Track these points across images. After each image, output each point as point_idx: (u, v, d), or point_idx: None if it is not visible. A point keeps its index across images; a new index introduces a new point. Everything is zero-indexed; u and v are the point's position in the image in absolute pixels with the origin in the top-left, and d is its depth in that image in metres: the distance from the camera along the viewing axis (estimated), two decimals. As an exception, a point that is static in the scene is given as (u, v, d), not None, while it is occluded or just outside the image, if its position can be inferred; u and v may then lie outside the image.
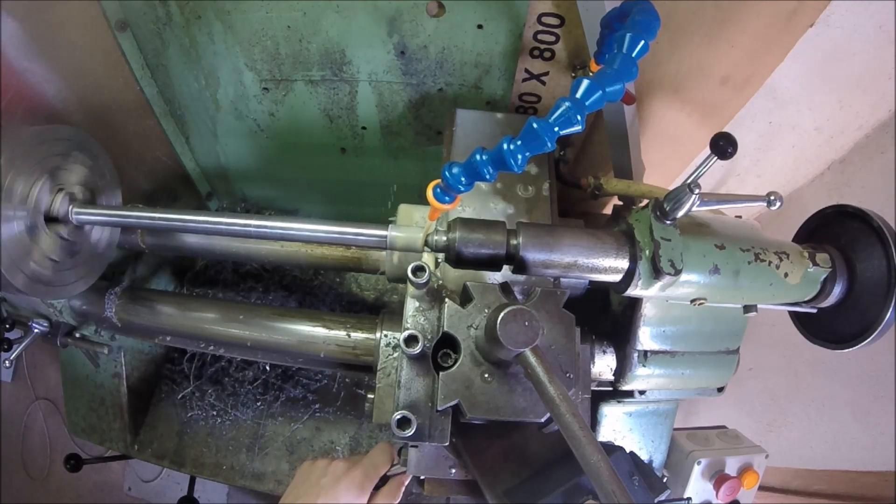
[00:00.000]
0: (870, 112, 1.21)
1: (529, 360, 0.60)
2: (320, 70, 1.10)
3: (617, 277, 0.71)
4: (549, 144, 0.55)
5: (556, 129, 0.56)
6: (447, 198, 0.64)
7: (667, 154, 1.39)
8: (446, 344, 0.72)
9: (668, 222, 0.71)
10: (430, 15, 0.97)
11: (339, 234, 0.71)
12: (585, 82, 0.57)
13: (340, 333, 0.95)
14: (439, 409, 0.67)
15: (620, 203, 1.10)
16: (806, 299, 0.84)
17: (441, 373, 0.68)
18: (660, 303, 0.88)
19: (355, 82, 1.11)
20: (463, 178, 0.61)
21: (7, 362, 1.11)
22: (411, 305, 0.73)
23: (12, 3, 0.93)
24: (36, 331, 1.13)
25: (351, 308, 1.44)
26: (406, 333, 0.68)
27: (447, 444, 0.68)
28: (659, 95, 1.20)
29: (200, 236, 1.08)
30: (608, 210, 1.37)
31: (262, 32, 1.05)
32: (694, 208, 0.68)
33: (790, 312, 0.93)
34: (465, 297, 0.74)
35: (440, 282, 0.74)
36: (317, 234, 0.72)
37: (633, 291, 0.71)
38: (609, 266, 0.69)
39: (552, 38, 0.97)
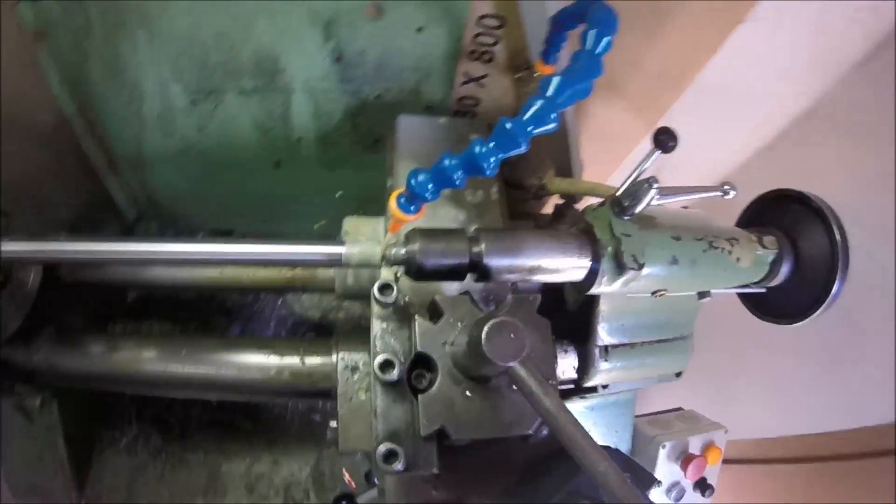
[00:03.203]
0: (794, 101, 1.28)
1: (520, 374, 0.57)
2: (252, 79, 1.04)
3: (580, 276, 0.69)
4: (523, 145, 0.54)
5: (531, 128, 0.54)
6: (412, 207, 0.61)
7: (603, 150, 1.42)
8: (419, 364, 0.68)
9: (627, 218, 0.71)
10: (368, 17, 0.93)
11: (289, 254, 0.66)
12: (556, 79, 0.56)
13: (294, 360, 0.88)
14: (423, 435, 0.63)
15: (562, 202, 1.11)
16: (755, 280, 0.89)
17: (420, 395, 0.64)
18: (616, 297, 0.89)
19: (290, 91, 1.06)
20: (430, 186, 0.58)
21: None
22: (378, 327, 0.69)
23: None
24: None
25: (296, 330, 1.37)
26: (380, 359, 0.64)
27: (435, 471, 0.64)
28: (595, 92, 1.22)
29: (129, 268, 0.99)
30: (548, 210, 1.38)
31: (189, 40, 0.98)
32: (653, 203, 0.68)
33: (740, 295, 0.98)
34: (434, 312, 0.70)
35: (406, 298, 0.71)
36: (265, 256, 0.67)
37: (596, 289, 0.70)
38: (572, 266, 0.68)
39: (491, 41, 0.95)
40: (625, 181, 0.82)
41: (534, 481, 0.75)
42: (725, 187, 0.75)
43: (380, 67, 1.02)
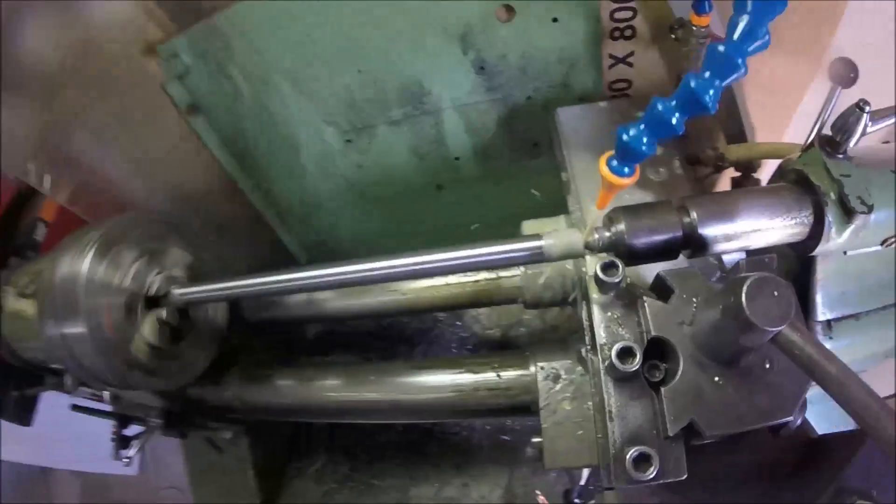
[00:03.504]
0: None
1: (792, 339, 0.48)
2: (400, 107, 1.06)
3: (803, 234, 0.61)
4: (742, 67, 0.47)
5: (746, 46, 0.47)
6: (626, 169, 0.54)
7: (769, 108, 1.27)
8: (652, 353, 0.61)
9: (841, 156, 0.61)
10: (501, 21, 0.92)
11: (485, 255, 0.62)
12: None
13: (489, 376, 0.85)
14: (671, 434, 0.55)
15: (738, 174, 1.00)
16: None
17: (662, 388, 0.57)
18: (834, 261, 0.77)
19: (439, 112, 1.06)
20: (645, 138, 0.51)
21: (125, 459, 1.08)
22: (600, 315, 0.62)
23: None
24: (152, 424, 1.10)
25: (477, 351, 1.35)
26: (619, 346, 0.57)
27: (685, 476, 0.57)
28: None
29: (307, 301, 1.03)
30: (725, 186, 1.26)
31: (333, 84, 1.02)
32: (868, 130, 0.59)
33: None
34: (661, 292, 0.63)
35: (629, 280, 0.64)
36: (457, 262, 0.63)
37: (823, 245, 0.61)
38: (793, 223, 0.59)
39: (629, 14, 0.90)
40: (811, 130, 0.72)
41: (785, 485, 0.64)
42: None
43: (524, 68, 0.99)
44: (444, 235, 1.35)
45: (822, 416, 0.92)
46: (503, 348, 1.32)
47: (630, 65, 0.98)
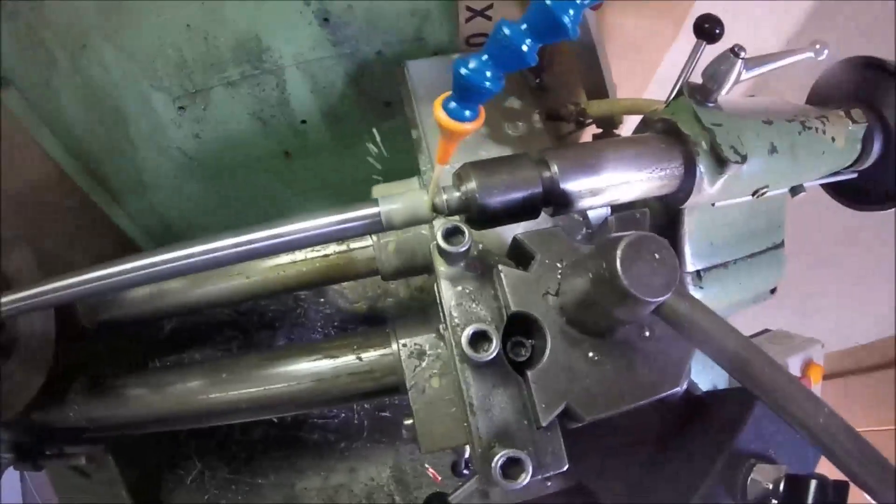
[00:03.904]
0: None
1: (680, 310, 0.42)
2: (237, 66, 0.93)
3: (673, 186, 0.57)
4: None
5: None
6: (467, 112, 0.44)
7: (631, 65, 1.29)
8: (515, 330, 0.53)
9: (711, 105, 0.59)
10: (345, -34, 0.82)
11: (314, 228, 0.52)
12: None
13: (349, 359, 0.77)
14: (543, 424, 0.48)
15: (599, 131, 1.00)
16: (848, 164, 0.78)
17: (528, 371, 0.50)
18: (701, 213, 0.78)
19: (281, 70, 0.95)
20: (488, 72, 0.41)
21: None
22: (450, 291, 0.54)
23: None
24: (2, 460, 0.94)
25: (344, 328, 1.27)
26: (470, 331, 0.48)
27: (566, 467, 0.50)
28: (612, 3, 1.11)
29: (151, 294, 0.91)
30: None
31: (159, 42, 0.89)
32: (741, 77, 0.56)
33: (826, 187, 0.88)
34: (519, 258, 0.56)
35: (481, 246, 0.57)
36: (282, 240, 0.52)
37: (695, 197, 0.58)
38: (663, 174, 0.55)
39: None
40: (675, 86, 0.70)
41: (670, 450, 0.62)
42: (817, 46, 0.61)
43: (372, 20, 0.91)
44: (300, 207, 1.27)
45: (700, 372, 0.96)
46: (372, 322, 1.26)
47: (489, 18, 0.93)
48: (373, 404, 1.22)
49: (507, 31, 0.39)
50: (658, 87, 1.26)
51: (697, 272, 0.80)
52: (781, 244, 0.90)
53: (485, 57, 0.41)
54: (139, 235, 1.24)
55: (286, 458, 1.23)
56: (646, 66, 1.25)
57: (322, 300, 1.25)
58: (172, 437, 1.26)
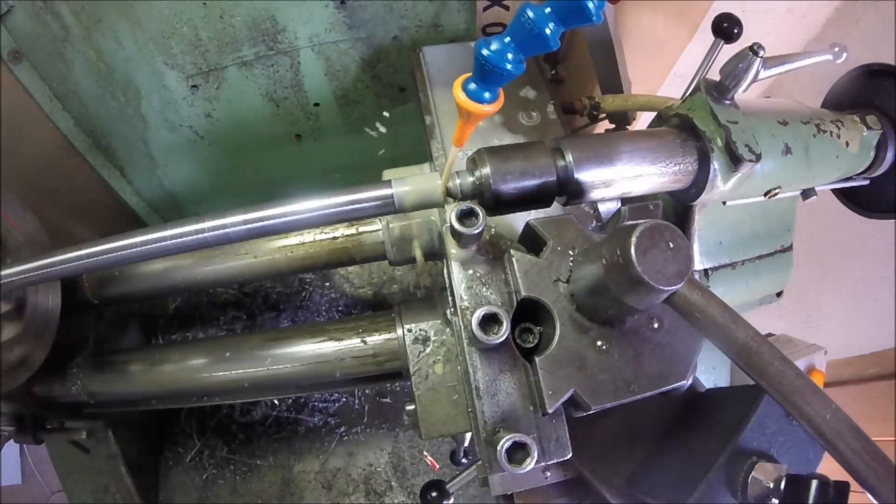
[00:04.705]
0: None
1: (693, 300, 0.42)
2: (252, 47, 0.93)
3: (686, 181, 0.56)
4: None
5: None
6: (487, 94, 0.43)
7: (647, 63, 1.29)
8: (524, 316, 0.53)
9: (728, 102, 0.57)
10: (365, -53, 0.82)
11: (327, 209, 0.51)
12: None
13: (354, 342, 0.78)
14: (549, 410, 0.48)
15: (612, 127, 1.00)
16: (861, 170, 0.77)
17: (536, 358, 0.49)
18: (711, 212, 0.77)
19: (295, 51, 0.95)
20: (510, 54, 0.40)
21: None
22: (461, 274, 0.53)
23: None
24: (2, 432, 0.95)
25: (349, 312, 1.27)
26: (481, 313, 0.48)
27: (570, 455, 0.50)
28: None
29: (157, 271, 0.90)
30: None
31: (174, 19, 0.88)
32: (760, 76, 0.55)
33: (837, 192, 0.87)
34: (532, 244, 0.55)
35: (493, 230, 0.56)
36: (295, 219, 0.52)
37: (707, 194, 0.57)
38: (677, 168, 0.54)
39: None
40: (690, 83, 0.70)
41: (671, 446, 0.62)
42: (836, 49, 0.61)
43: (389, 4, 0.90)
44: (304, 190, 1.27)
45: (702, 373, 0.96)
46: (377, 308, 1.26)
47: (506, 7, 0.93)
48: (374, 390, 1.23)
49: (530, 13, 0.39)
50: (673, 86, 1.26)
51: (705, 271, 0.80)
52: (790, 247, 0.90)
53: (507, 39, 0.41)
54: (145, 212, 1.24)
55: (285, 440, 1.24)
56: (661, 64, 1.25)
57: (327, 284, 1.25)
58: (173, 415, 1.27)
